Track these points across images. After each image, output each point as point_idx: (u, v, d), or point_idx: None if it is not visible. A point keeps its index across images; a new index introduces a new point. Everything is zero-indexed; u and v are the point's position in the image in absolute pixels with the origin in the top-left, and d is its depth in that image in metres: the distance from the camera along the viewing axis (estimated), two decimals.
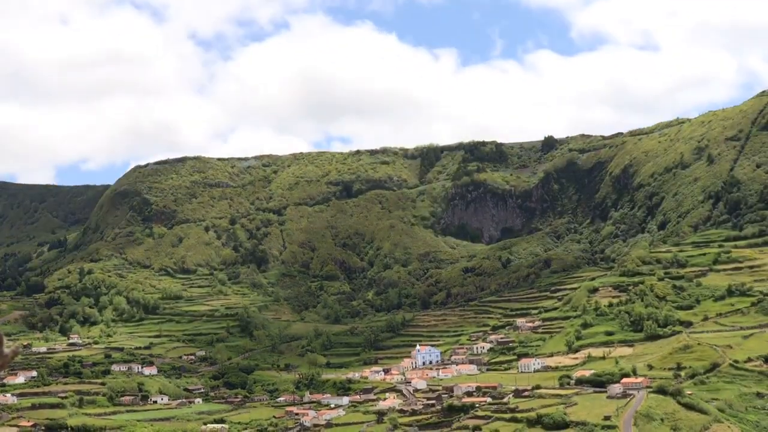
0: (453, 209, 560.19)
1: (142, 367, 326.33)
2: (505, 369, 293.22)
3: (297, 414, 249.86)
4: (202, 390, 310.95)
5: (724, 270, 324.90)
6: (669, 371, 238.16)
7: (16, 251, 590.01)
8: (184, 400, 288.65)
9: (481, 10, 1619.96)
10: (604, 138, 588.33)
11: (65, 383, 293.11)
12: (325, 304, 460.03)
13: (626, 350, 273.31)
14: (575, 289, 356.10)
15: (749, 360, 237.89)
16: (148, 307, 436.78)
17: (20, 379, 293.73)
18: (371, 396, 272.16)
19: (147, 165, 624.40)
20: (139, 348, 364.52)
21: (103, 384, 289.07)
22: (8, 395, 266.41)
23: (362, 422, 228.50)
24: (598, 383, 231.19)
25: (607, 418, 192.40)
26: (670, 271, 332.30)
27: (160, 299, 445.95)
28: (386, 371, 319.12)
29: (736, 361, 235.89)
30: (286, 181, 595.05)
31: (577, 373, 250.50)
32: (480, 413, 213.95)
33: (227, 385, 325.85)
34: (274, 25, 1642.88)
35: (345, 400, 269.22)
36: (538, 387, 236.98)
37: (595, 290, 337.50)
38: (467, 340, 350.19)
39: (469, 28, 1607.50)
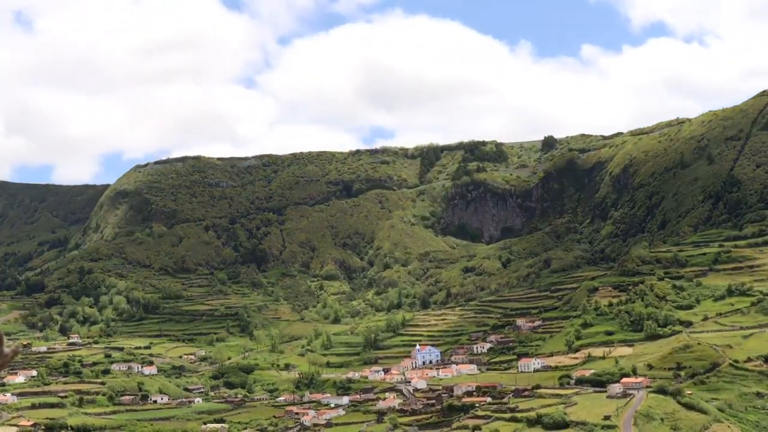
0: (453, 209, 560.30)
1: (141, 367, 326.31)
2: (505, 369, 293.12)
3: (297, 414, 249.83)
4: (202, 389, 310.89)
5: (724, 270, 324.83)
6: (669, 371, 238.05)
7: (16, 251, 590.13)
8: (183, 399, 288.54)
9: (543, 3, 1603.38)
10: (604, 138, 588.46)
11: (65, 383, 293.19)
12: (325, 304, 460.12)
13: (626, 350, 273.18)
14: (575, 288, 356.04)
15: (749, 360, 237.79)
16: (148, 306, 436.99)
17: (20, 378, 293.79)
18: (371, 396, 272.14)
19: (147, 164, 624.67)
20: (139, 347, 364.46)
21: (103, 383, 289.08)
22: (8, 395, 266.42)
23: (362, 422, 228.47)
24: (598, 383, 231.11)
25: (607, 417, 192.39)
26: (670, 271, 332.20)
27: (160, 299, 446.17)
28: (386, 371, 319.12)
29: (736, 361, 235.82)
30: (286, 181, 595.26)
31: (577, 373, 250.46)
32: (480, 413, 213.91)
33: (227, 384, 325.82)
34: (342, 15, 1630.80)
35: (345, 399, 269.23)
36: (538, 387, 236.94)
37: (595, 290, 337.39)
38: (467, 339, 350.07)
39: (532, 20, 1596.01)
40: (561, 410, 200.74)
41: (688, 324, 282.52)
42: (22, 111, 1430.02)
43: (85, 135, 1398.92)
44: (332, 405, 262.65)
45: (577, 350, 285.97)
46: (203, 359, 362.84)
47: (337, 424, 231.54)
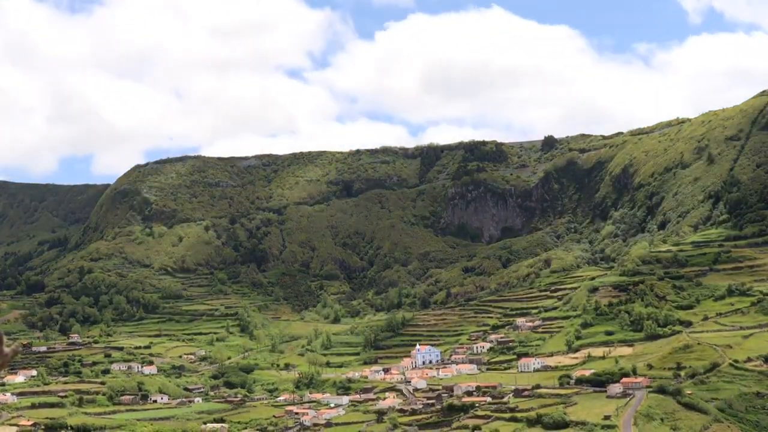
0: (453, 209, 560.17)
1: (141, 367, 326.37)
2: (505, 369, 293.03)
3: (297, 413, 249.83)
4: (202, 389, 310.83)
5: (724, 270, 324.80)
6: (669, 371, 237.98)
7: (16, 250, 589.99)
8: (183, 399, 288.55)
9: None
10: (604, 137, 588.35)
11: (65, 382, 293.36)
12: (325, 304, 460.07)
13: (626, 350, 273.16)
14: (575, 288, 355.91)
15: (749, 360, 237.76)
16: (148, 306, 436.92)
17: (20, 378, 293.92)
18: (371, 395, 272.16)
19: (147, 164, 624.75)
20: (139, 347, 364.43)
21: (102, 383, 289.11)
22: (8, 394, 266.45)
23: (362, 422, 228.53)
24: (598, 383, 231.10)
25: (606, 417, 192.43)
26: (670, 271, 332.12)
27: (159, 298, 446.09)
28: (386, 371, 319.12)
29: (736, 361, 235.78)
30: (286, 181, 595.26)
31: (577, 373, 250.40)
32: (480, 413, 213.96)
33: (227, 384, 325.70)
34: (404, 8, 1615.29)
35: (345, 399, 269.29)
36: (537, 387, 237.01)
37: (595, 290, 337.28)
38: (467, 339, 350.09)
39: (590, 11, 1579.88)
40: (561, 410, 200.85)
41: (688, 324, 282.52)
42: (70, 99, 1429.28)
43: (132, 125, 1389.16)
44: (332, 405, 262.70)
45: (577, 350, 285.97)
46: (203, 359, 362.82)
47: (337, 424, 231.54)
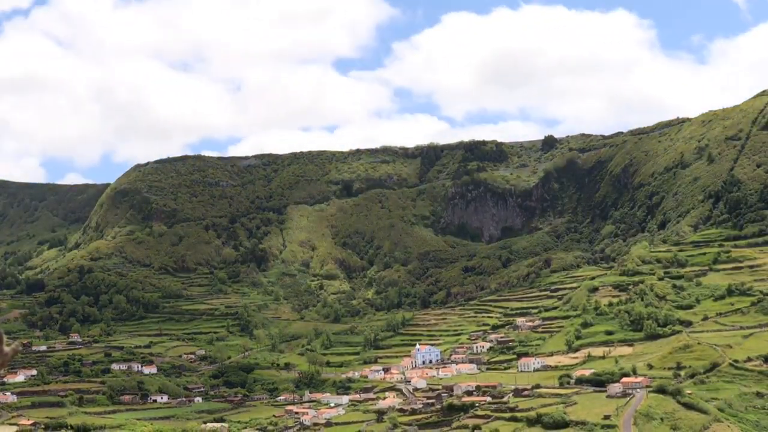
0: (453, 208, 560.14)
1: (141, 366, 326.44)
2: (505, 368, 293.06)
3: (297, 413, 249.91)
4: (202, 389, 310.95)
5: (724, 270, 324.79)
6: (669, 371, 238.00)
7: (16, 250, 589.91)
8: (183, 399, 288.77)
9: None
10: (604, 137, 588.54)
11: (65, 382, 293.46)
12: (325, 303, 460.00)
13: (626, 350, 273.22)
14: (575, 288, 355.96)
15: (749, 360, 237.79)
16: (148, 305, 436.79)
17: (20, 377, 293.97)
18: (371, 395, 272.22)
19: (147, 164, 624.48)
20: (139, 347, 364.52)
21: (102, 383, 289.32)
22: (8, 394, 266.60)
23: (362, 421, 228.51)
24: (598, 383, 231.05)
25: (606, 417, 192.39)
26: (670, 271, 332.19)
27: (159, 298, 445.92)
28: (386, 370, 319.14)
29: (736, 361, 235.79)
30: (286, 180, 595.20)
31: (577, 373, 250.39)
32: (480, 412, 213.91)
33: (227, 384, 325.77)
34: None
35: (345, 399, 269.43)
36: (537, 386, 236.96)
37: (595, 290, 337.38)
38: (467, 339, 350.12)
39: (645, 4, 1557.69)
40: (561, 410, 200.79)
41: (688, 324, 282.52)
42: (120, 89, 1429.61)
43: (180, 117, 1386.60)
44: (332, 404, 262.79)
45: (577, 350, 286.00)
46: (203, 358, 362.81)
47: (336, 424, 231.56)
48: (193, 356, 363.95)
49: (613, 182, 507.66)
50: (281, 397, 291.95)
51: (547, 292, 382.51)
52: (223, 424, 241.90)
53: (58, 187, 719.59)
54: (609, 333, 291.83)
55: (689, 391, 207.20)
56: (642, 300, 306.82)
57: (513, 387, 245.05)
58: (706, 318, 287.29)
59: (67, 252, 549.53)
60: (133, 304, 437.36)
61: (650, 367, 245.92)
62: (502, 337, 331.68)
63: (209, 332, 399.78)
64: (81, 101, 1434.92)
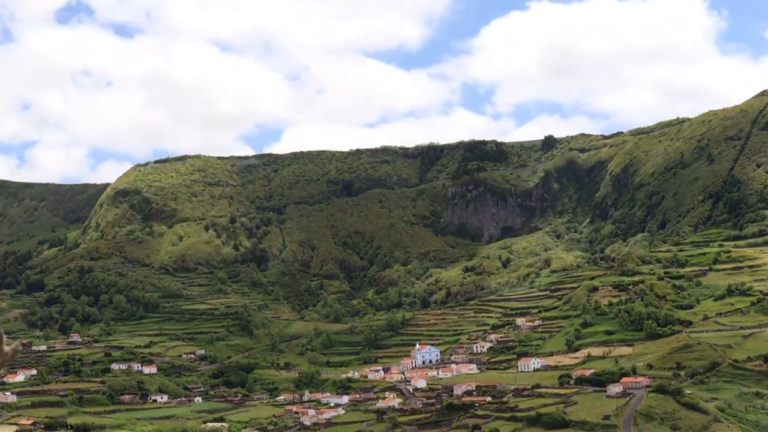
0: (453, 208, 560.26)
1: (141, 366, 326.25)
2: (505, 368, 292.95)
3: (297, 413, 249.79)
4: (202, 389, 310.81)
5: (724, 269, 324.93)
6: (669, 371, 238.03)
7: (16, 249, 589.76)
8: (183, 398, 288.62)
9: None
10: (604, 137, 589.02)
11: (65, 382, 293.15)
12: (325, 303, 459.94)
13: (626, 349, 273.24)
14: (575, 288, 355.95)
15: (749, 360, 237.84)
16: (148, 305, 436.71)
17: (20, 377, 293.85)
18: (371, 395, 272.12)
19: (147, 163, 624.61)
20: (139, 347, 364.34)
21: (102, 382, 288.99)
22: (8, 393, 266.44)
23: (362, 421, 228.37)
24: (598, 382, 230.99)
25: (606, 417, 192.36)
26: (670, 271, 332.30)
27: (159, 298, 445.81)
28: (386, 370, 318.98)
29: (736, 361, 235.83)
30: (286, 180, 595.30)
31: (577, 373, 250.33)
32: (479, 412, 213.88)
33: (227, 383, 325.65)
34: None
35: (345, 399, 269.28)
36: (537, 386, 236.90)
37: (594, 289, 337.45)
38: (467, 339, 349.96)
39: None
40: (561, 410, 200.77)
41: (688, 324, 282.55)
42: (175, 78, 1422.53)
43: (236, 107, 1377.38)
44: (332, 404, 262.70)
45: (576, 350, 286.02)
46: (203, 358, 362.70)
47: (336, 424, 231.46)
48: (193, 356, 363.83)
49: (613, 182, 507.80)
50: (281, 397, 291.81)
51: (547, 292, 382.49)
52: (223, 423, 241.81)
53: (58, 186, 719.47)
54: (609, 333, 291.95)
55: (689, 391, 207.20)
56: (642, 300, 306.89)
57: (513, 387, 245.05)
58: (706, 318, 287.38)
59: (67, 252, 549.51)
60: (133, 303, 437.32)
61: (650, 367, 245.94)
62: (502, 337, 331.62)
63: (209, 332, 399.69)
64: (137, 89, 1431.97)
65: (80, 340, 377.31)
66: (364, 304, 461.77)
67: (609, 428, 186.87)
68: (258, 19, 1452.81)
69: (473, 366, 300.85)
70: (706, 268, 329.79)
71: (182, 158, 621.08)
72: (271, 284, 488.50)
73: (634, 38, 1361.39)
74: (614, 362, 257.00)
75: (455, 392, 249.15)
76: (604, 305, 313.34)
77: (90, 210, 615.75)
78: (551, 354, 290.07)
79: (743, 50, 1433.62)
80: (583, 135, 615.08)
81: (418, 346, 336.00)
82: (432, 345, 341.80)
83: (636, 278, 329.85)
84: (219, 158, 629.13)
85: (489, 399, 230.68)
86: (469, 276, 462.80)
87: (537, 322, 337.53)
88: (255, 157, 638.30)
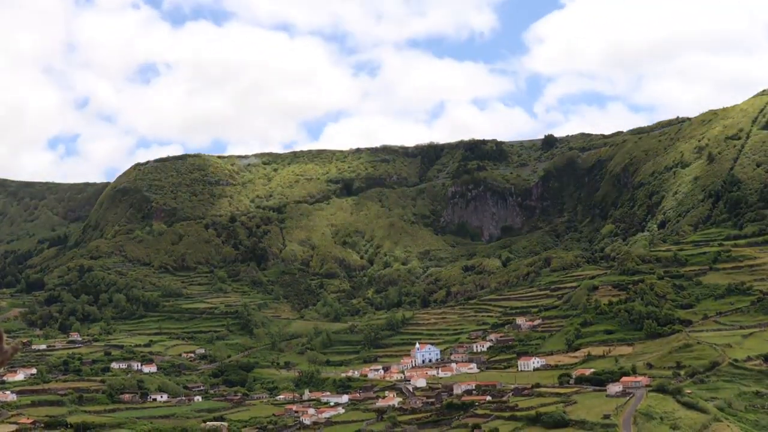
0: (453, 207, 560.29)
1: (141, 365, 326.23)
2: (505, 367, 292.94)
3: (297, 412, 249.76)
4: (202, 388, 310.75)
5: (724, 269, 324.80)
6: (668, 370, 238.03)
7: (16, 248, 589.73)
8: (183, 397, 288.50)
9: None
10: (604, 137, 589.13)
11: (65, 381, 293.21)
12: (324, 302, 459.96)
13: (626, 349, 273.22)
14: (575, 287, 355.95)
15: (749, 359, 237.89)
16: (148, 304, 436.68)
17: (20, 376, 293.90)
18: (371, 394, 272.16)
19: (147, 162, 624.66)
20: (139, 346, 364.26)
21: (102, 381, 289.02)
22: (8, 392, 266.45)
23: (362, 420, 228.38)
24: (598, 382, 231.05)
25: (606, 416, 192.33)
26: (670, 270, 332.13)
27: (159, 297, 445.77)
28: (386, 369, 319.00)
29: (736, 360, 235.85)
30: (286, 179, 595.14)
31: (577, 372, 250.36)
32: (479, 411, 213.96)
33: (227, 382, 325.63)
34: None
35: (345, 398, 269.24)
36: (537, 385, 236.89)
37: (594, 289, 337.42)
38: (467, 338, 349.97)
39: None
40: (560, 409, 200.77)
41: (688, 323, 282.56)
42: (242, 67, 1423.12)
43: (295, 99, 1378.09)
44: (332, 403, 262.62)
45: (576, 349, 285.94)
46: (203, 357, 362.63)
47: (336, 423, 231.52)
48: (192, 355, 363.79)
49: (613, 181, 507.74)
50: (281, 396, 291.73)
51: (547, 291, 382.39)
52: (223, 423, 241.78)
53: (58, 185, 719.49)
54: (609, 332, 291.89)
55: (689, 391, 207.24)
56: (642, 299, 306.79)
57: (513, 386, 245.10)
58: (705, 317, 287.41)
59: (67, 251, 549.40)
60: (133, 302, 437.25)
61: (650, 366, 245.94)
62: (501, 336, 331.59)
63: (209, 331, 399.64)
64: (195, 77, 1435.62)
65: (80, 339, 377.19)
66: (364, 303, 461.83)
67: (609, 427, 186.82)
68: (331, 8, 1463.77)
69: (473, 365, 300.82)
70: (706, 267, 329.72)
71: (182, 157, 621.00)
72: (271, 283, 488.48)
73: (689, 27, 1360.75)
74: (614, 361, 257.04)
75: (455, 391, 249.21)
76: (604, 304, 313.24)
77: (90, 209, 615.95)
78: (551, 353, 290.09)
79: None
80: (583, 134, 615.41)
81: (417, 345, 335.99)
82: (432, 344, 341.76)
83: (636, 277, 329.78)
84: (219, 157, 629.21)
85: (489, 398, 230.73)
86: (469, 275, 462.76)
87: (537, 322, 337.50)
88: (255, 156, 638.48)
